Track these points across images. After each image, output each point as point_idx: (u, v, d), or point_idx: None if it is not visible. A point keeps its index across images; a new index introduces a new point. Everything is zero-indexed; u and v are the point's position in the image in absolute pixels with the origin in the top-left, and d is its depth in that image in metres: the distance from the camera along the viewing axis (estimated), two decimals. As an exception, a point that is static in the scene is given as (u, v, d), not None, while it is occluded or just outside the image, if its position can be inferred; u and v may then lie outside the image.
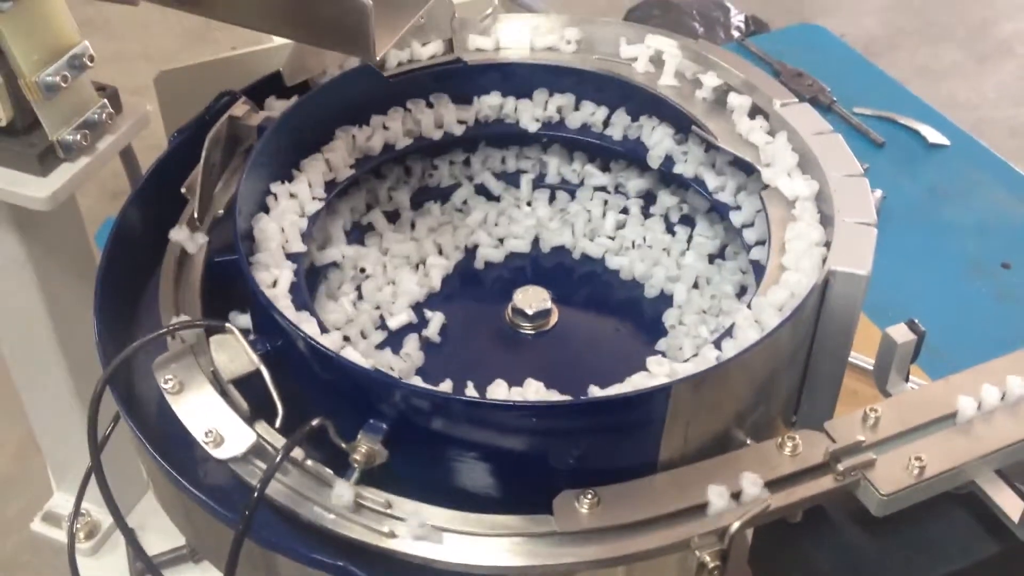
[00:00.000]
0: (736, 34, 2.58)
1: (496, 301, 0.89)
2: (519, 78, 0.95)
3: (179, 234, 0.82)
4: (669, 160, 0.93)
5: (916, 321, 0.79)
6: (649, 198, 0.99)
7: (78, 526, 1.13)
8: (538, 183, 1.00)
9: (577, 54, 0.96)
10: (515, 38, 0.96)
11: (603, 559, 0.68)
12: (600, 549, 0.68)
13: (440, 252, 0.95)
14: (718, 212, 0.92)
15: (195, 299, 0.80)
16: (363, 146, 0.91)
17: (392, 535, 0.68)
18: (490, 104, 0.95)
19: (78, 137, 0.88)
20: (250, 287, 0.75)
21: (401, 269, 0.92)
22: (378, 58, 0.73)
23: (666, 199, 0.97)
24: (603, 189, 0.99)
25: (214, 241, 0.84)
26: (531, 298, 0.87)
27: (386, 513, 0.69)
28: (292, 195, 0.85)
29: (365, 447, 0.70)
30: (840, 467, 0.71)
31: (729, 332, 0.76)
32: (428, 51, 0.94)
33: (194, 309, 0.80)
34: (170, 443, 0.73)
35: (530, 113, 0.95)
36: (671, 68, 0.92)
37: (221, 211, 0.85)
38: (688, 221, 0.97)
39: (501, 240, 0.97)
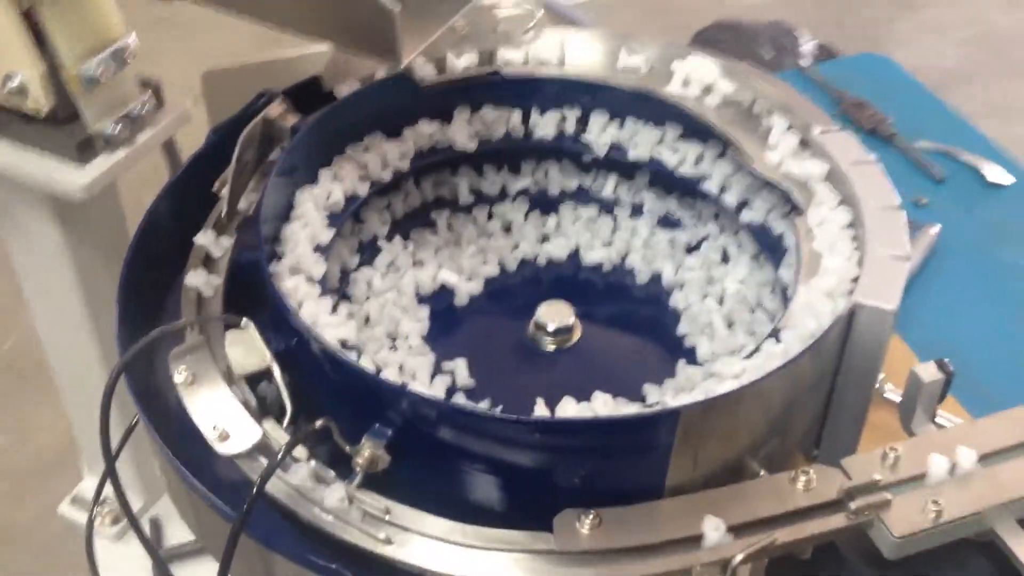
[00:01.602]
0: (805, 61, 2.55)
1: (520, 315, 0.88)
2: (553, 93, 0.94)
3: (205, 238, 0.83)
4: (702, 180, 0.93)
5: (946, 361, 0.77)
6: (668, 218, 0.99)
7: (105, 511, 1.14)
8: (571, 198, 0.99)
9: (617, 71, 0.95)
10: (552, 52, 0.95)
11: (598, 582, 0.67)
12: (599, 571, 0.67)
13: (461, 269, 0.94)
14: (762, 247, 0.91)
15: (218, 295, 0.81)
16: (393, 155, 0.91)
17: (388, 542, 0.67)
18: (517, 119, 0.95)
19: (117, 129, 0.89)
20: (266, 283, 0.75)
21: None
22: (404, 65, 0.72)
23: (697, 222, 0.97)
24: (640, 209, 0.98)
25: (241, 239, 0.84)
26: (554, 313, 0.86)
27: (384, 519, 0.68)
28: (319, 199, 0.85)
29: (368, 451, 0.69)
30: (853, 505, 0.69)
31: (785, 322, 0.75)
32: (464, 62, 0.93)
33: (216, 305, 0.80)
34: (182, 436, 0.73)
35: (553, 126, 0.95)
36: (715, 90, 0.90)
37: (251, 211, 0.86)
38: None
39: (522, 256, 0.96)
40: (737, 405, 0.69)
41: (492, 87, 0.94)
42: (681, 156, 0.93)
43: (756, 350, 0.76)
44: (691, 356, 0.88)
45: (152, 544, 0.76)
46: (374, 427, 0.70)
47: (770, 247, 0.88)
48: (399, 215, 0.95)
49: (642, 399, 0.81)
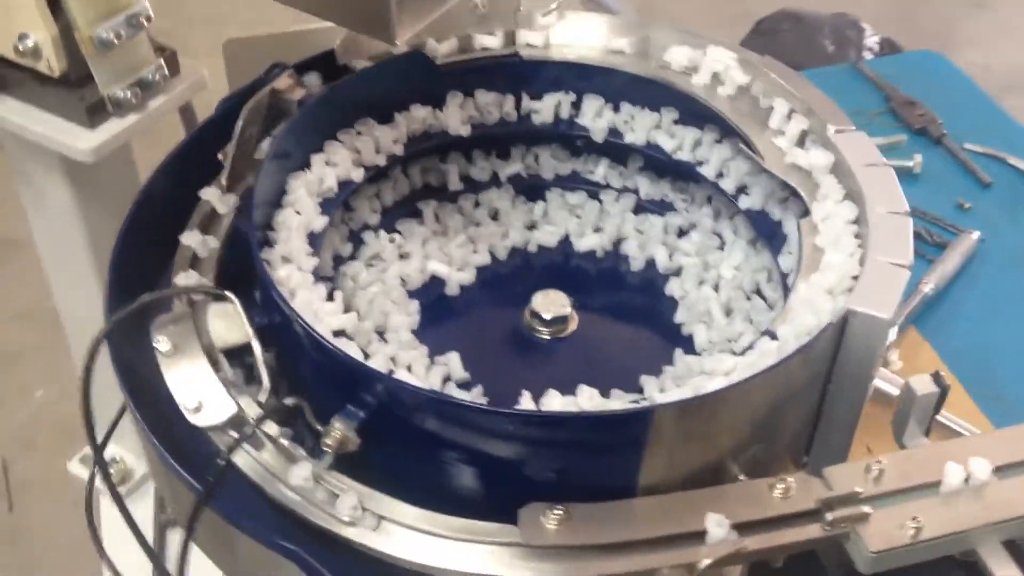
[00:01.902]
0: (868, 55, 2.50)
1: (513, 304, 0.87)
2: (570, 78, 0.93)
3: (210, 193, 0.83)
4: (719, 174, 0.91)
5: (941, 374, 0.75)
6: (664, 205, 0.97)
7: (111, 471, 1.15)
8: (556, 184, 0.98)
9: (634, 58, 0.93)
10: (572, 36, 0.93)
11: (562, 578, 0.66)
12: (563, 567, 0.66)
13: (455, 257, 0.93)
14: (759, 234, 0.89)
15: (212, 265, 0.80)
16: (386, 140, 0.90)
17: (352, 524, 0.67)
18: (538, 104, 0.94)
19: (129, 94, 0.89)
20: (256, 267, 0.74)
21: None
22: (399, 43, 0.71)
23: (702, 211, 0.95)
24: (649, 200, 0.97)
25: (243, 210, 0.84)
26: (550, 302, 0.85)
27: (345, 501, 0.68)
28: (312, 184, 0.84)
29: (338, 432, 0.69)
30: (830, 517, 0.68)
31: (783, 318, 0.74)
32: (487, 42, 0.92)
33: (210, 274, 0.80)
34: (160, 407, 0.73)
35: (585, 116, 0.94)
36: (729, 82, 0.88)
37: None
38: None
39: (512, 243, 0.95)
40: (714, 408, 0.68)
41: (488, 71, 0.93)
42: (679, 141, 0.91)
43: (750, 347, 0.75)
44: (689, 344, 0.86)
45: (129, 514, 0.76)
46: (346, 409, 0.69)
47: (768, 233, 0.87)
48: (389, 203, 0.94)
49: (639, 390, 0.80)
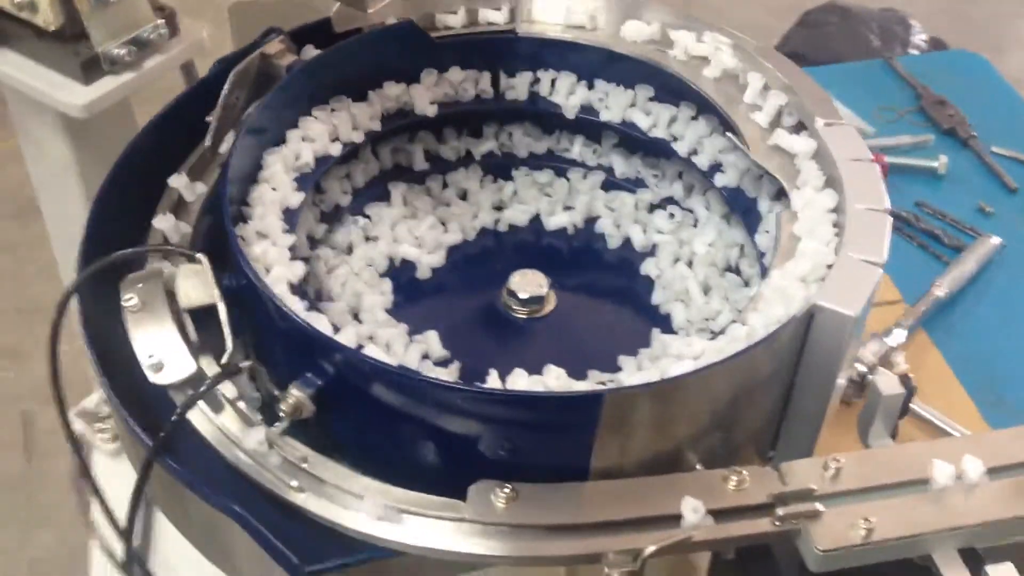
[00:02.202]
0: (914, 52, 2.46)
1: (488, 285, 0.87)
2: (558, 55, 0.92)
3: (178, 181, 0.82)
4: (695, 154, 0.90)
5: (910, 377, 0.74)
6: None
7: (106, 426, 1.15)
8: (535, 162, 0.98)
9: (628, 41, 0.92)
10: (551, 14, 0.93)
11: (508, 556, 0.66)
12: (508, 546, 0.66)
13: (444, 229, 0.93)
14: (733, 210, 0.88)
15: (191, 220, 0.81)
16: (363, 117, 0.89)
17: (300, 490, 0.67)
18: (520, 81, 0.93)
19: (124, 52, 0.90)
20: (224, 215, 0.74)
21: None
22: (371, 11, 0.71)
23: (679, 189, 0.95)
24: (623, 178, 0.97)
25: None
26: (527, 282, 0.84)
27: (301, 467, 0.68)
28: (288, 160, 0.84)
29: (293, 398, 0.69)
30: (781, 512, 0.67)
31: (754, 306, 0.73)
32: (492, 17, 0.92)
33: (189, 230, 0.81)
34: (127, 365, 0.73)
35: (563, 95, 0.93)
36: (717, 67, 0.87)
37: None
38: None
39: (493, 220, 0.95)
40: (668, 395, 0.67)
41: (479, 46, 0.92)
42: (654, 119, 0.90)
43: (721, 332, 0.74)
44: (667, 324, 0.86)
45: (87, 468, 0.76)
46: (304, 376, 0.69)
47: (743, 210, 0.86)
48: (360, 184, 0.93)
49: (618, 369, 0.79)
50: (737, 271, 0.88)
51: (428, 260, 0.89)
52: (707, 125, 0.89)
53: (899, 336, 1.22)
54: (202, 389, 0.68)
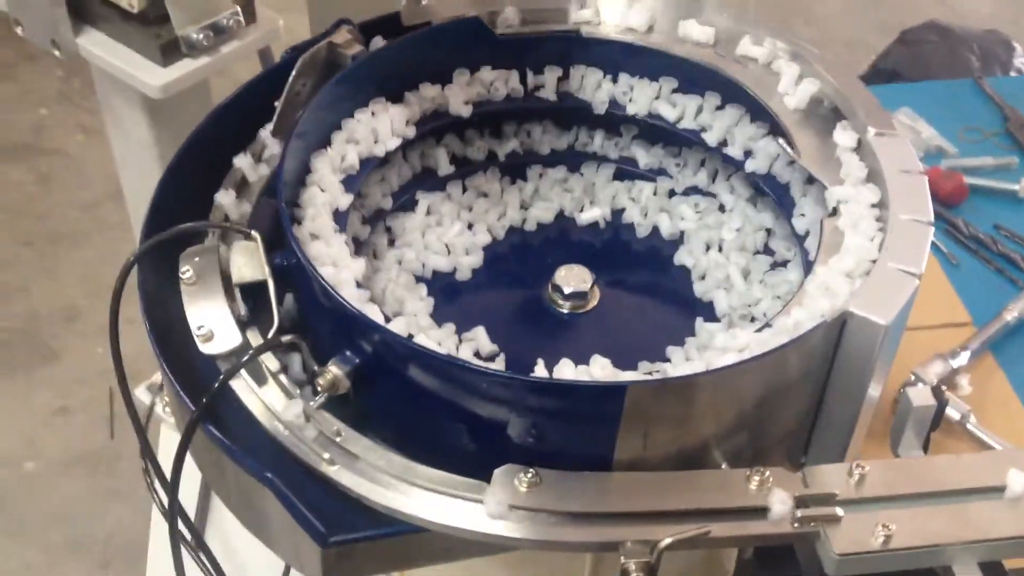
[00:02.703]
0: (1015, 75, 2.42)
1: (529, 282, 0.89)
2: (620, 59, 0.93)
3: (242, 161, 0.85)
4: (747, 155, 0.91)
5: (942, 388, 0.73)
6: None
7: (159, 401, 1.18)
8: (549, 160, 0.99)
9: (689, 45, 0.93)
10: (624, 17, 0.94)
11: (527, 539, 0.67)
12: (527, 529, 0.67)
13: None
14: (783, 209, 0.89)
15: (247, 208, 0.84)
16: (420, 109, 0.91)
17: (332, 463, 0.70)
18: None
19: (201, 36, 0.93)
20: (276, 197, 0.77)
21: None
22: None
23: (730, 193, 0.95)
24: (647, 168, 0.98)
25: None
26: (572, 277, 0.86)
27: (334, 441, 0.71)
28: (335, 162, 0.85)
29: (331, 374, 0.71)
30: (800, 514, 0.67)
31: (799, 300, 0.74)
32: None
33: (243, 217, 0.84)
34: (181, 336, 0.77)
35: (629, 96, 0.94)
36: (786, 78, 0.88)
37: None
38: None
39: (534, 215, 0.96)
40: (690, 392, 0.68)
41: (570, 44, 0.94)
42: (681, 110, 0.92)
43: (767, 324, 0.75)
44: (709, 312, 0.87)
45: (146, 438, 0.80)
46: (343, 353, 0.72)
47: (777, 195, 0.88)
48: (395, 187, 0.94)
49: (666, 359, 0.81)
50: (771, 252, 0.89)
51: (466, 262, 0.90)
52: (735, 113, 0.90)
53: (963, 358, 1.21)
54: (245, 359, 0.71)
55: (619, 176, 0.97)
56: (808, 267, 0.81)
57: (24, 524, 1.95)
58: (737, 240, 0.90)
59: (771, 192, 0.88)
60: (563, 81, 0.95)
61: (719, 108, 0.91)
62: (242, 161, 0.84)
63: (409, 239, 0.91)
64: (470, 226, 0.93)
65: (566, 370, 0.75)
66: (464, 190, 0.96)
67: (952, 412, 1.14)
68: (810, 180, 0.85)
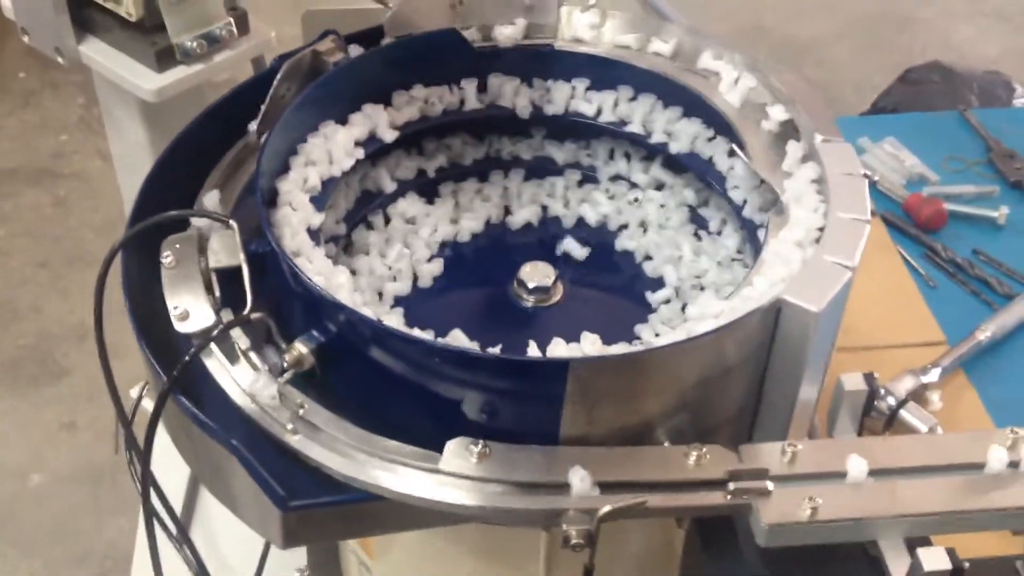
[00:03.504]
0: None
1: (491, 284, 0.94)
2: (587, 71, 0.99)
3: (211, 198, 0.88)
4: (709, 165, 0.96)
5: (875, 375, 0.77)
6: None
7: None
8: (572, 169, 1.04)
9: (656, 57, 0.98)
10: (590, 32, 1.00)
11: (476, 506, 0.71)
12: (476, 497, 0.71)
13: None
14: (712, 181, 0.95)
15: (231, 198, 0.89)
16: (410, 112, 0.96)
17: (294, 432, 0.74)
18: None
19: (195, 45, 0.99)
20: (255, 186, 0.82)
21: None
22: (391, 4, 0.78)
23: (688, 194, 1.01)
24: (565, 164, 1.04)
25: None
26: (537, 273, 0.90)
27: (298, 414, 0.75)
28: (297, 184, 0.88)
29: (296, 351, 0.76)
30: (732, 486, 0.71)
31: (758, 270, 0.80)
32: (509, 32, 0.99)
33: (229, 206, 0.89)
34: (160, 317, 0.81)
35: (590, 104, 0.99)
36: (740, 88, 0.93)
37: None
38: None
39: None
40: (632, 369, 0.72)
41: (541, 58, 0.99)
42: (598, 104, 0.98)
43: (733, 293, 0.80)
44: (659, 286, 0.94)
45: (127, 419, 0.85)
46: (308, 332, 0.76)
47: (702, 171, 0.95)
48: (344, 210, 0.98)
49: (637, 338, 0.87)
50: (702, 224, 0.98)
51: (427, 269, 0.94)
52: (648, 101, 0.97)
53: (933, 375, 1.25)
54: (215, 332, 0.75)
55: (534, 175, 1.03)
56: (751, 233, 0.88)
57: (29, 536, 1.98)
58: (662, 215, 0.97)
59: (696, 168, 0.94)
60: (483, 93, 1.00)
61: (632, 99, 0.97)
62: (210, 199, 0.88)
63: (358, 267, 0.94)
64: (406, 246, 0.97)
65: (558, 348, 0.79)
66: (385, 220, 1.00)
67: (920, 424, 1.17)
68: (732, 153, 0.91)
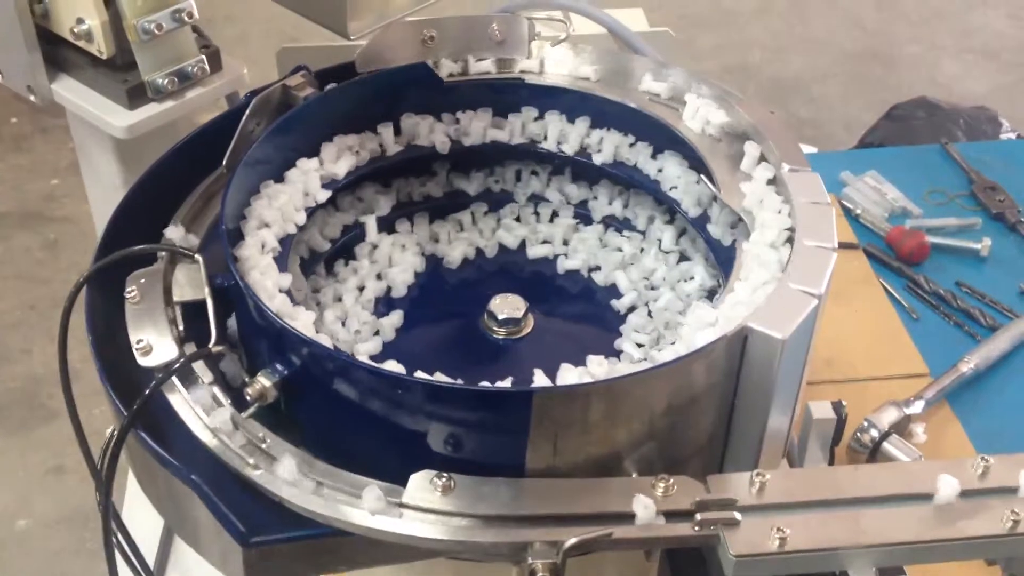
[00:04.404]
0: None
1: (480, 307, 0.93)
2: (556, 102, 0.99)
3: (174, 232, 0.88)
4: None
5: (842, 403, 0.77)
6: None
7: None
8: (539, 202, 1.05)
9: (620, 88, 0.99)
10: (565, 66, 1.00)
11: (441, 539, 0.70)
12: (440, 531, 0.70)
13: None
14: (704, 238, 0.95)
15: (199, 231, 0.89)
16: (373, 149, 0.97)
17: (256, 467, 0.73)
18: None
19: (166, 82, 0.99)
20: (220, 219, 0.82)
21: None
22: (353, 38, 0.78)
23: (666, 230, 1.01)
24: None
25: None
26: (507, 305, 0.90)
27: (260, 448, 0.74)
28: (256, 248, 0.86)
29: (259, 384, 0.75)
30: (699, 517, 0.70)
31: (737, 275, 0.82)
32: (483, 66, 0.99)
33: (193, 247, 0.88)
34: (124, 354, 0.81)
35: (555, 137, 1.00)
36: (700, 116, 0.93)
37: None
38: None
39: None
40: (595, 397, 0.71)
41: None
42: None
43: (718, 300, 0.81)
44: (615, 293, 0.96)
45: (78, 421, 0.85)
46: (272, 365, 0.76)
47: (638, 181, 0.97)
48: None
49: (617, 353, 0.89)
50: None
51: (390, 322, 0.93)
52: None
53: (917, 407, 1.24)
54: (176, 365, 0.75)
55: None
56: (700, 224, 0.92)
57: (15, 580, 1.98)
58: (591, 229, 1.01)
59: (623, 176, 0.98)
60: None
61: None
62: (173, 232, 0.88)
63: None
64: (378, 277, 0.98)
65: (568, 374, 0.79)
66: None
67: (903, 457, 1.16)
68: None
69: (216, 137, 0.93)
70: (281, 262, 0.86)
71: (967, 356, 1.31)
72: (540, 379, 0.79)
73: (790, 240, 0.81)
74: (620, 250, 0.99)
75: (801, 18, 3.33)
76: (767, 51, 3.20)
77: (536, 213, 1.03)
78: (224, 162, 0.91)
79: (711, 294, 0.95)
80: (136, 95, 0.99)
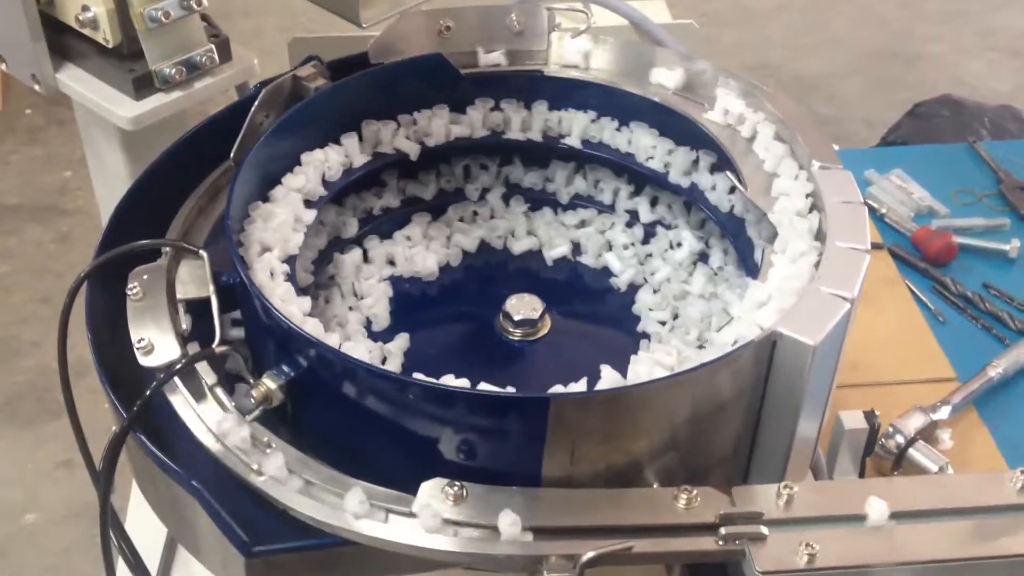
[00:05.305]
0: (1011, 141, 2.41)
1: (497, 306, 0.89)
2: (581, 95, 0.95)
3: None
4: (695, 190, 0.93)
5: (875, 412, 0.73)
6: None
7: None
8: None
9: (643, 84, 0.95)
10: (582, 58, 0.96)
11: (451, 551, 0.67)
12: (451, 542, 0.67)
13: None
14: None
15: (205, 227, 0.86)
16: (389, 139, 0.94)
17: (259, 473, 0.70)
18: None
19: (174, 72, 0.96)
20: (225, 215, 0.79)
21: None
22: (365, 26, 0.75)
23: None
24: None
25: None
26: (523, 305, 0.86)
27: (264, 453, 0.71)
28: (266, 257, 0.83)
29: (264, 386, 0.72)
30: (724, 531, 0.67)
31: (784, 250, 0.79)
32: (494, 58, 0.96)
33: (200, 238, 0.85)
34: (126, 352, 0.78)
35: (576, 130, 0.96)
36: (734, 112, 0.89)
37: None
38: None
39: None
40: (618, 404, 0.68)
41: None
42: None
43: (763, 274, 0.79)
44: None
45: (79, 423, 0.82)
46: (278, 367, 0.73)
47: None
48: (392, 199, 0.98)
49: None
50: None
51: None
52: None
53: (943, 412, 1.20)
54: (178, 366, 0.72)
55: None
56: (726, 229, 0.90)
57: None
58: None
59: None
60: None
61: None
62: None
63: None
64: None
65: (609, 375, 0.76)
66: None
67: (930, 464, 1.13)
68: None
69: (223, 129, 0.91)
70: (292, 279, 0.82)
71: (995, 360, 1.28)
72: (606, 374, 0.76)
73: (815, 207, 0.79)
74: (602, 233, 0.97)
75: (822, 16, 3.28)
76: (788, 48, 3.16)
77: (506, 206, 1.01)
78: (232, 155, 0.88)
79: (703, 257, 0.94)
80: (143, 85, 0.96)
